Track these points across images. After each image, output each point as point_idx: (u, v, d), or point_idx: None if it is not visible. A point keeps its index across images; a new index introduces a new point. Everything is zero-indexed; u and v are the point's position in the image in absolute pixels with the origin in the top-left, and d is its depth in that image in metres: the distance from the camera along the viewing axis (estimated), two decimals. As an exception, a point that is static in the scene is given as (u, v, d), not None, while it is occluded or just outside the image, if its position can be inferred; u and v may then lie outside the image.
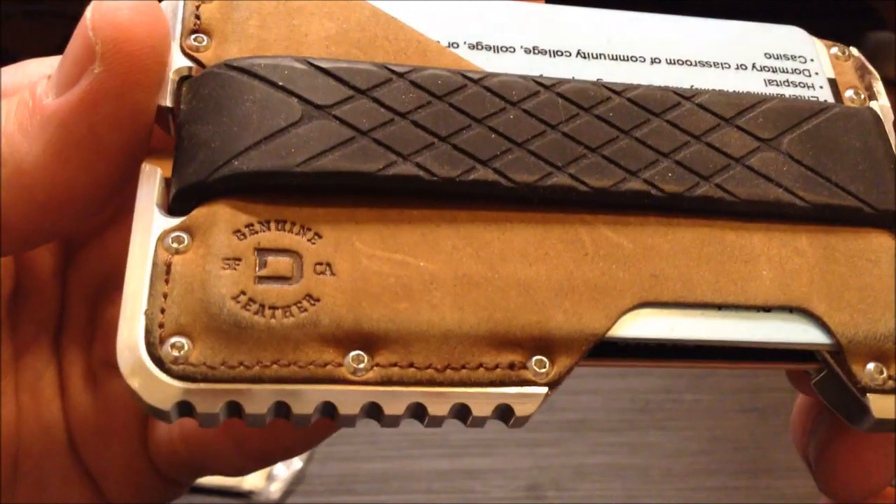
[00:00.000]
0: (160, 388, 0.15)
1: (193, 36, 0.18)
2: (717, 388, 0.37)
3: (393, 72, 0.18)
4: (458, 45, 0.19)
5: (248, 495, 0.35)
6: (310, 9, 0.19)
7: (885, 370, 0.17)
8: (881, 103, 0.20)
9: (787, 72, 0.20)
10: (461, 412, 0.16)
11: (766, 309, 0.17)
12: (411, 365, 0.16)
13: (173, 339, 0.15)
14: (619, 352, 0.17)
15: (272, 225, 0.17)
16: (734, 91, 0.20)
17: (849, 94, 0.20)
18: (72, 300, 0.23)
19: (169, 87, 0.18)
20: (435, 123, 0.18)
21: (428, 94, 0.18)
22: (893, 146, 0.19)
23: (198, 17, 0.19)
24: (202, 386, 0.15)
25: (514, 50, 0.20)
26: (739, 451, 0.34)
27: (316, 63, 0.18)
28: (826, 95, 0.20)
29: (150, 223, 0.17)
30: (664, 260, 0.17)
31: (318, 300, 0.16)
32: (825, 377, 0.18)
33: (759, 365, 0.18)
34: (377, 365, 0.16)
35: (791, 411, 0.37)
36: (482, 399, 0.16)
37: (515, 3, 0.20)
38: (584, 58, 0.20)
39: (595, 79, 0.19)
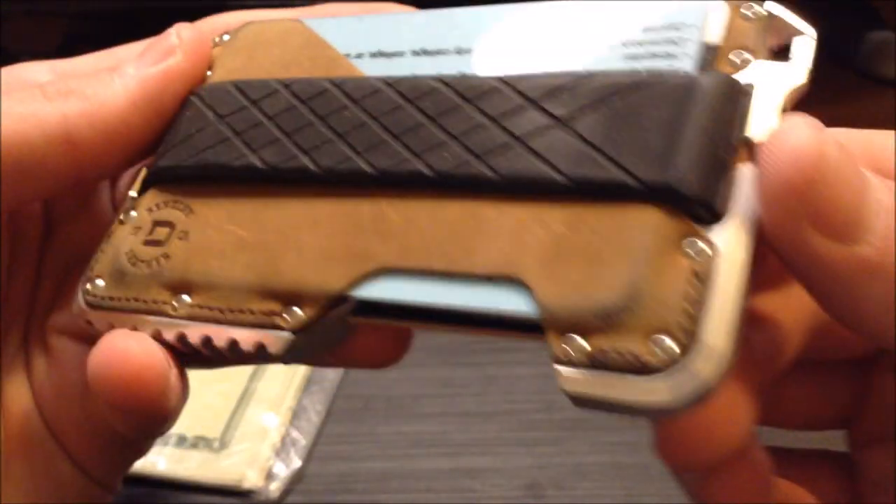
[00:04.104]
0: (79, 308, 0.22)
1: (209, 72, 0.25)
2: (716, 388, 0.37)
3: (282, 84, 0.23)
4: (363, 56, 0.23)
5: (247, 494, 0.35)
6: (273, 41, 0.25)
7: (581, 344, 0.17)
8: (777, 66, 0.19)
9: (657, 43, 0.20)
10: (233, 346, 0.20)
11: (490, 278, 0.18)
12: (208, 307, 0.21)
13: (96, 281, 0.22)
14: (390, 314, 0.19)
15: (170, 204, 0.23)
16: (566, 72, 0.20)
17: (732, 56, 0.19)
18: (44, 280, 0.24)
19: None
20: (287, 123, 0.22)
21: (297, 99, 0.22)
22: (751, 114, 0.18)
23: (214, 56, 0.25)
24: (98, 311, 0.22)
25: (404, 54, 0.23)
26: (739, 450, 0.34)
27: (236, 83, 0.24)
28: (687, 63, 0.19)
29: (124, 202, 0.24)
30: (418, 233, 0.19)
31: (168, 258, 0.22)
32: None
33: (494, 332, 0.19)
34: (190, 305, 0.21)
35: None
36: (245, 336, 0.20)
37: (417, 13, 0.24)
38: (460, 53, 0.22)
39: (459, 72, 0.21)
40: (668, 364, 0.16)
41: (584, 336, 0.17)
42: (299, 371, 0.39)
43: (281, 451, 0.36)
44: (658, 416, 0.16)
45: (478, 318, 0.18)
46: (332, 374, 0.40)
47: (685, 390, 0.16)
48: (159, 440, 0.36)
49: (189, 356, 0.22)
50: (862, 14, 0.62)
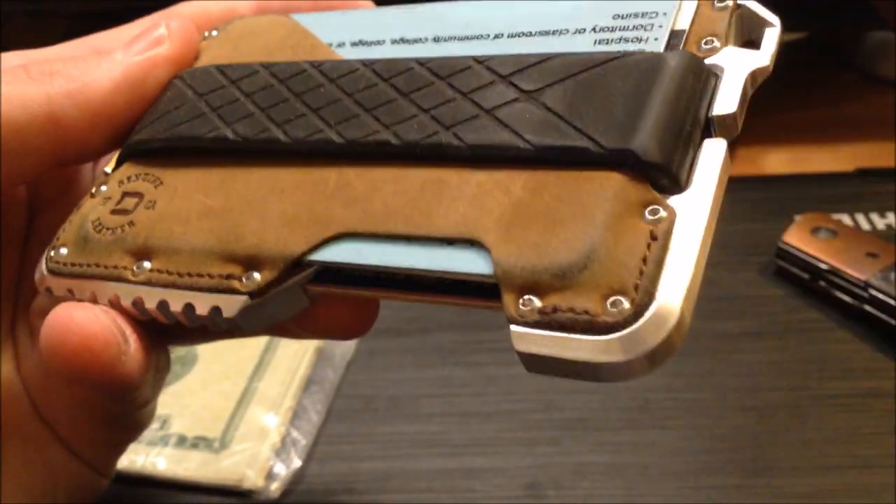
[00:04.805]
0: (40, 274, 0.23)
1: (196, 59, 0.25)
2: (716, 387, 0.37)
3: (263, 66, 0.23)
4: (344, 45, 0.24)
5: (247, 495, 0.35)
6: (258, 32, 0.25)
7: (537, 304, 0.17)
8: (743, 51, 0.19)
9: (627, 29, 0.21)
10: (188, 310, 0.21)
11: (450, 242, 0.18)
12: (167, 271, 0.21)
13: (60, 249, 0.23)
14: (350, 283, 0.20)
15: (141, 177, 0.23)
16: (537, 52, 0.20)
17: (701, 42, 0.20)
18: (28, 266, 0.24)
19: None
20: (263, 100, 0.22)
21: (276, 79, 0.23)
22: (713, 96, 0.19)
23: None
24: (58, 277, 0.22)
25: (384, 42, 0.23)
26: (739, 450, 0.34)
27: (219, 65, 0.24)
28: (656, 46, 0.20)
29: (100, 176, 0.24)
30: (381, 199, 0.19)
31: (133, 225, 0.22)
32: None
33: (454, 299, 0.19)
34: (150, 271, 0.21)
35: (790, 410, 0.37)
36: (201, 300, 0.20)
37: (397, 8, 0.24)
38: (437, 41, 0.23)
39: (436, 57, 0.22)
40: (623, 323, 0.16)
41: (540, 296, 0.17)
42: (299, 371, 0.39)
43: (281, 451, 0.36)
44: (611, 377, 0.16)
45: (438, 282, 0.19)
46: (332, 375, 0.40)
47: (639, 350, 0.16)
48: (159, 441, 0.36)
49: (149, 324, 0.22)
50: (862, 14, 0.62)
